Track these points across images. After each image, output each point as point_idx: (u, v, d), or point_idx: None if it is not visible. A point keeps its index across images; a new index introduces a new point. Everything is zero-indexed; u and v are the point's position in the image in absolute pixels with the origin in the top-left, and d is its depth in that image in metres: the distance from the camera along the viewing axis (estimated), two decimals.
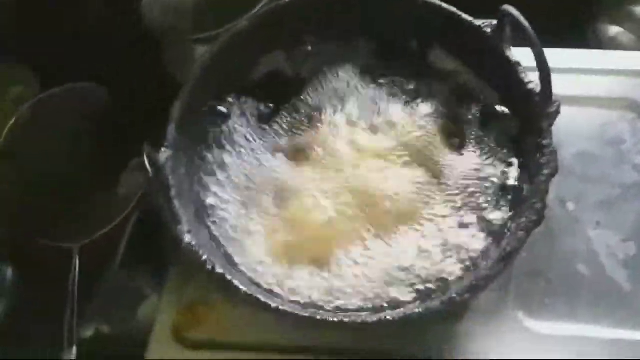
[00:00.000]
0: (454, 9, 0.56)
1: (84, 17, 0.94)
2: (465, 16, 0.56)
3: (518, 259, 0.59)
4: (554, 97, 0.52)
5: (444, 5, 0.57)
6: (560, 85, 0.68)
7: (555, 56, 0.70)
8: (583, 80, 0.70)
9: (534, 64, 0.62)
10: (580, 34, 0.88)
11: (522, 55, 0.65)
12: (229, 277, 0.46)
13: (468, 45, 0.57)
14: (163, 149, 0.52)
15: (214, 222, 0.53)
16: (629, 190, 0.62)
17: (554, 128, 0.65)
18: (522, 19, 0.48)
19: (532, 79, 0.52)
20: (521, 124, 0.54)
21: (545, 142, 0.49)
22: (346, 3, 0.60)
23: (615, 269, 0.59)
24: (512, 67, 0.53)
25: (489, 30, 0.55)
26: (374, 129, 0.58)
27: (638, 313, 0.56)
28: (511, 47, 0.54)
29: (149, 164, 0.46)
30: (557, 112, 0.51)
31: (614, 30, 0.92)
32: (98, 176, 0.83)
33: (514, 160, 0.54)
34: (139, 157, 0.50)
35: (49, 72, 0.96)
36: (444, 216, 0.53)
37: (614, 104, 0.68)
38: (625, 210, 0.61)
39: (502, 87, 0.55)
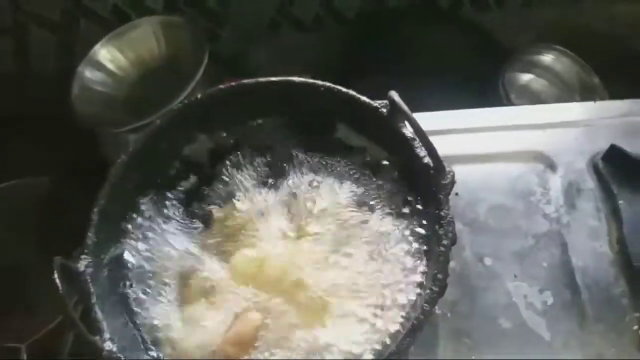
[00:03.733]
0: (353, 92, 0.60)
1: (19, 114, 0.97)
2: (363, 98, 0.60)
3: (442, 319, 0.62)
4: (448, 168, 0.54)
5: (344, 89, 0.60)
6: (472, 145, 0.73)
7: (464, 116, 0.76)
8: (493, 137, 0.74)
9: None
10: (493, 87, 0.93)
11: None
12: None
13: (369, 124, 0.60)
14: (82, 257, 0.54)
15: (138, 320, 0.55)
16: (541, 240, 0.66)
17: (469, 186, 0.70)
18: (402, 105, 0.51)
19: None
20: (422, 196, 0.56)
21: (442, 212, 0.52)
22: (258, 91, 0.63)
23: (535, 320, 0.61)
24: (407, 143, 0.56)
25: (384, 110, 0.58)
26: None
27: None
28: (406, 124, 0.57)
29: (62, 277, 0.47)
30: (452, 182, 0.54)
31: (525, 77, 0.98)
32: (43, 269, 0.83)
33: (421, 231, 0.56)
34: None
35: None
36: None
37: (523, 157, 0.72)
38: (539, 260, 0.65)
39: (403, 162, 0.58)
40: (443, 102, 0.76)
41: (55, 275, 0.47)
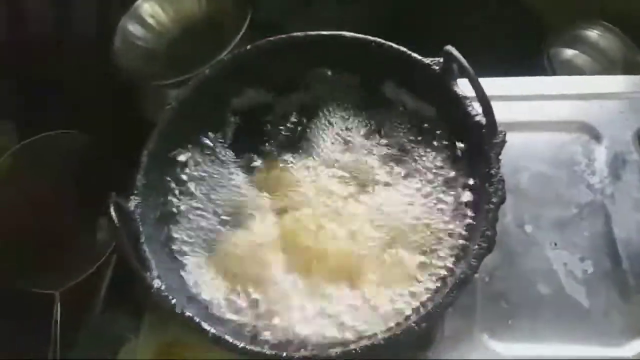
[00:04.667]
0: (404, 49, 0.59)
1: (57, 66, 0.97)
2: (414, 55, 0.59)
3: (481, 283, 0.62)
4: (500, 128, 0.54)
5: (395, 45, 0.60)
6: (515, 112, 0.72)
7: (509, 85, 0.75)
8: (537, 106, 0.73)
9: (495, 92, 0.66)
10: (537, 59, 0.91)
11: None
12: (196, 320, 0.47)
13: (420, 82, 0.60)
14: (132, 197, 0.54)
15: (182, 263, 0.55)
16: (584, 210, 0.65)
17: (510, 153, 0.69)
18: (462, 59, 0.51)
19: (479, 112, 0.55)
20: (471, 154, 0.56)
21: (492, 171, 0.52)
22: (307, 44, 0.63)
23: (574, 287, 0.61)
24: (460, 101, 0.55)
25: (436, 68, 0.57)
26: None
27: (597, 329, 0.58)
28: (457, 83, 0.57)
29: (116, 214, 0.48)
30: (503, 141, 0.53)
31: (568, 53, 0.96)
32: (77, 221, 0.85)
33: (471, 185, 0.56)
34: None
35: (27, 122, 0.99)
36: None
37: (567, 127, 0.71)
38: (580, 229, 0.64)
39: (453, 119, 0.58)
40: (489, 71, 0.75)
41: (111, 210, 0.47)
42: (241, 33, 0.86)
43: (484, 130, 0.53)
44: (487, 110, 0.50)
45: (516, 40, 0.95)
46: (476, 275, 0.61)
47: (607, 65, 0.93)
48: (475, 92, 0.50)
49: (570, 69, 0.93)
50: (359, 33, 0.61)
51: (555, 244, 0.63)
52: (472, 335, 0.58)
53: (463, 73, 0.52)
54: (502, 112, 0.71)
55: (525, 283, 0.61)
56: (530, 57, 0.92)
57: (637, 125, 0.70)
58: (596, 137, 0.69)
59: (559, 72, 0.89)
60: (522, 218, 0.65)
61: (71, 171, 0.93)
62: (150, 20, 0.93)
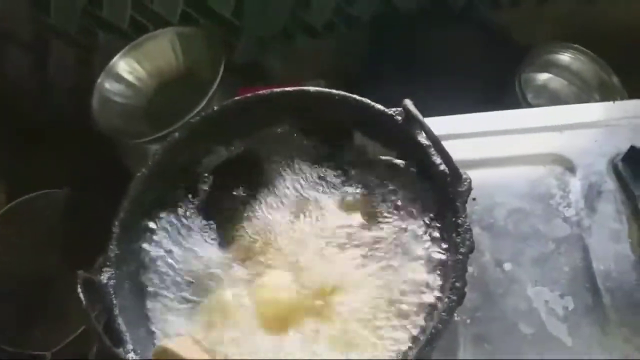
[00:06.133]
0: (367, 101, 0.60)
1: (41, 124, 0.99)
2: (378, 106, 0.60)
3: (462, 326, 0.62)
4: (465, 175, 0.54)
5: (358, 97, 0.60)
6: (489, 148, 0.73)
7: (481, 120, 0.75)
8: (511, 140, 0.73)
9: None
10: (509, 88, 0.92)
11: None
12: None
13: (385, 131, 0.60)
14: (104, 269, 0.55)
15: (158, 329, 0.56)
16: (561, 244, 0.65)
17: (486, 190, 0.69)
18: (417, 115, 0.52)
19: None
20: (439, 203, 0.56)
21: (459, 220, 0.52)
22: (273, 101, 0.64)
23: (556, 325, 0.61)
24: (424, 151, 0.56)
25: (399, 118, 0.58)
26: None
27: None
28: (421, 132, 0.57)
29: (84, 292, 0.48)
30: (469, 189, 0.54)
31: (542, 77, 0.97)
32: (67, 279, 0.85)
33: (438, 238, 0.56)
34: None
35: (15, 181, 1.00)
36: None
37: (542, 160, 0.71)
38: (560, 264, 0.64)
39: (418, 168, 0.58)
40: (459, 104, 0.76)
41: (79, 289, 0.48)
42: (217, 81, 0.88)
43: (448, 179, 0.54)
44: (447, 161, 0.51)
45: (489, 66, 0.96)
46: (457, 318, 0.62)
47: (581, 86, 0.93)
48: (433, 145, 0.50)
49: (545, 92, 0.94)
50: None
51: (536, 282, 0.63)
52: None
53: (420, 125, 0.52)
54: (475, 149, 0.72)
55: (507, 323, 0.61)
56: (504, 84, 0.93)
57: (611, 153, 0.69)
58: (570, 168, 0.69)
59: (534, 96, 0.90)
60: (500, 256, 0.65)
61: (61, 228, 0.93)
62: (128, 77, 0.94)
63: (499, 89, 0.92)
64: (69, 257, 0.88)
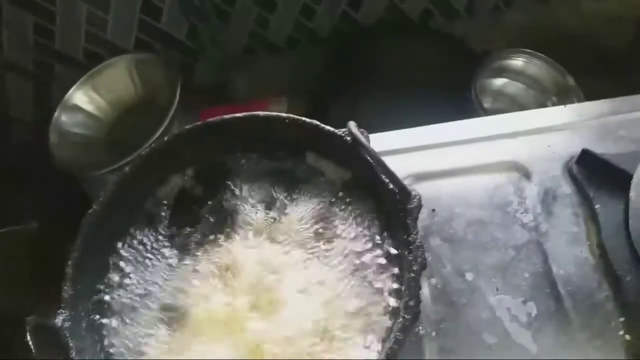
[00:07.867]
0: (316, 122, 0.60)
1: (2, 164, 0.98)
2: (327, 127, 0.60)
3: (428, 339, 0.62)
4: (413, 192, 0.54)
5: (307, 120, 0.61)
6: (446, 159, 0.73)
7: (436, 131, 0.76)
8: (466, 150, 0.73)
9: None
10: (467, 95, 0.93)
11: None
12: None
13: (336, 151, 0.61)
14: (59, 311, 0.54)
15: None
16: (521, 251, 0.65)
17: (444, 201, 0.70)
18: (359, 136, 0.52)
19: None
20: (391, 222, 0.56)
21: (411, 237, 0.52)
22: (223, 128, 0.64)
23: (520, 332, 0.61)
24: (373, 170, 0.56)
25: (348, 138, 0.58)
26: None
27: None
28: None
29: (33, 338, 0.47)
30: (419, 206, 0.54)
31: (498, 82, 0.98)
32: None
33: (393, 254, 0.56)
34: None
35: None
36: None
37: (498, 167, 0.72)
38: (520, 271, 0.64)
39: (369, 187, 0.59)
40: (418, 114, 0.77)
41: (28, 337, 0.47)
42: (174, 106, 0.87)
43: (398, 197, 0.54)
44: (393, 179, 0.51)
45: (447, 75, 0.97)
46: (422, 332, 0.62)
47: (538, 90, 0.94)
48: (376, 165, 0.51)
49: (502, 97, 0.95)
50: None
51: (497, 289, 0.63)
52: None
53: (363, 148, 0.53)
54: (432, 161, 0.73)
55: (472, 334, 0.61)
56: (462, 92, 0.94)
57: (566, 157, 0.70)
58: (526, 174, 0.70)
59: (492, 102, 0.91)
60: (461, 267, 0.65)
61: (23, 267, 0.92)
62: (86, 107, 0.94)
63: (458, 96, 0.93)
64: (36, 294, 0.87)
